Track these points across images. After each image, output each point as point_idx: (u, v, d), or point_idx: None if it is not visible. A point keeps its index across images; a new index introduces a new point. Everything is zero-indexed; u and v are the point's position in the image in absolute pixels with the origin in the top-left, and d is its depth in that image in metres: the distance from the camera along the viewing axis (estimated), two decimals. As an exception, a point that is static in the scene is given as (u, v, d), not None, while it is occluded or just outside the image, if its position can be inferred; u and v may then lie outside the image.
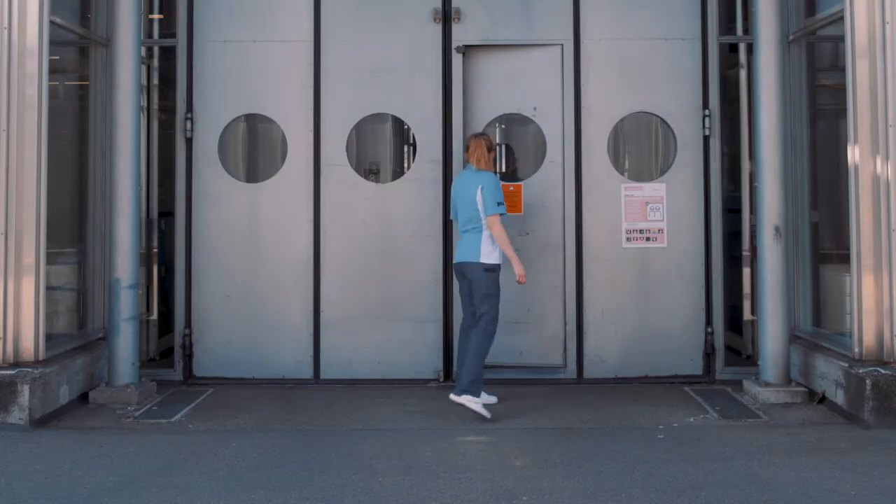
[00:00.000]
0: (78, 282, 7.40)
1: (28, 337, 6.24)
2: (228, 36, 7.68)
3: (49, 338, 6.46)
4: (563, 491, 4.77)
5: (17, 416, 5.99)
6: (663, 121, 7.63)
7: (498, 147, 7.69)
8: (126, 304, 6.96)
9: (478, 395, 6.34)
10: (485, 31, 7.64)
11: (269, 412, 6.62)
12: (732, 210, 7.93)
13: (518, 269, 6.47)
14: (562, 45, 7.61)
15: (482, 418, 6.25)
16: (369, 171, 7.74)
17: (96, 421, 6.38)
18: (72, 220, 7.38)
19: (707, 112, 7.56)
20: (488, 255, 6.44)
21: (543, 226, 7.55)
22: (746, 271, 7.84)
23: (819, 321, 7.25)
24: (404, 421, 6.38)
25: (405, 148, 7.82)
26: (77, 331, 7.29)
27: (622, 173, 7.63)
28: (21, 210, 6.26)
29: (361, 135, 7.76)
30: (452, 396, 6.38)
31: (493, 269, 6.47)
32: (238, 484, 4.91)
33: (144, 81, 7.73)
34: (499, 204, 6.44)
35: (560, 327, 7.53)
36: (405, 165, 7.77)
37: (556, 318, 7.53)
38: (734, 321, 8.09)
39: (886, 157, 6.17)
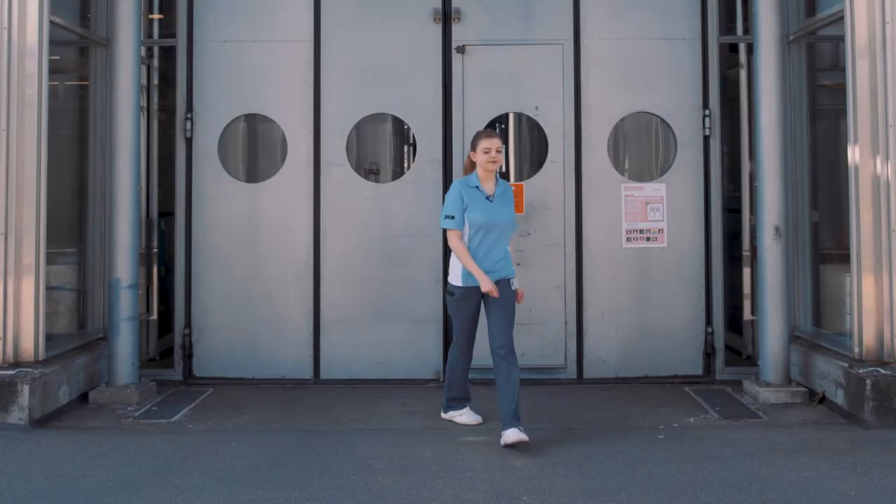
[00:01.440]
0: (78, 282, 7.39)
1: (28, 337, 6.24)
2: (228, 36, 7.68)
3: (49, 338, 6.46)
4: (563, 491, 4.77)
5: (17, 416, 5.99)
6: (663, 121, 7.63)
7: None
8: (126, 303, 6.96)
9: (460, 408, 6.23)
10: (485, 31, 7.63)
11: (269, 412, 6.62)
12: (732, 210, 7.93)
13: (484, 285, 5.72)
14: (562, 44, 7.60)
15: (476, 424, 6.17)
16: (369, 171, 7.74)
17: (96, 421, 6.38)
18: (72, 220, 7.38)
19: (707, 112, 7.56)
20: (454, 277, 5.91)
21: (545, 225, 7.55)
22: (746, 271, 7.85)
23: (819, 321, 7.24)
24: (404, 421, 6.38)
25: (405, 148, 7.82)
26: (77, 331, 7.28)
27: (622, 173, 7.63)
28: (21, 210, 6.26)
29: (361, 135, 7.76)
30: (441, 415, 6.33)
31: (452, 293, 5.91)
32: (238, 484, 4.91)
33: (144, 81, 7.74)
34: (447, 217, 5.81)
35: (560, 327, 7.53)
36: (405, 165, 7.77)
37: (557, 318, 7.53)
38: (734, 321, 8.09)
39: (886, 157, 6.17)
